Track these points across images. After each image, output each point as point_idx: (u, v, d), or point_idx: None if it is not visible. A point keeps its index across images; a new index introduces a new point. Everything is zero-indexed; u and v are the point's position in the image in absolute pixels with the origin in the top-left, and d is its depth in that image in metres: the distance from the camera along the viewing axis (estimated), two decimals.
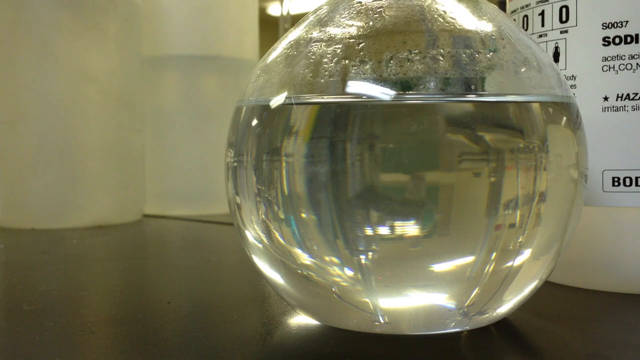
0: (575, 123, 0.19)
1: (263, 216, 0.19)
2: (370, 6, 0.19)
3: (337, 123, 0.17)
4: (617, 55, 0.24)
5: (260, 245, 0.19)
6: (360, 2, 0.19)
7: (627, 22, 0.23)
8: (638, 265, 0.24)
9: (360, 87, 0.18)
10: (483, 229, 0.17)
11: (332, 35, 0.19)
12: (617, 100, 0.24)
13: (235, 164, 0.20)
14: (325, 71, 0.18)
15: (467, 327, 0.19)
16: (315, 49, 0.19)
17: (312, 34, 0.19)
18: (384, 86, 0.17)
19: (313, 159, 0.17)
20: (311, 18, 0.20)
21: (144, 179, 0.53)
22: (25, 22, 0.46)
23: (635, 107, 0.23)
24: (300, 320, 0.21)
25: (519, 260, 0.18)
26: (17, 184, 0.47)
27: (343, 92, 0.18)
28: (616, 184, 0.24)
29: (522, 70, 0.19)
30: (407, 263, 0.18)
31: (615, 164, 0.24)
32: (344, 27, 0.19)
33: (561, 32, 0.25)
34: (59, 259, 0.35)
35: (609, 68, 0.24)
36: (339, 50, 0.18)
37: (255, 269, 0.21)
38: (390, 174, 0.17)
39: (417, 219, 0.17)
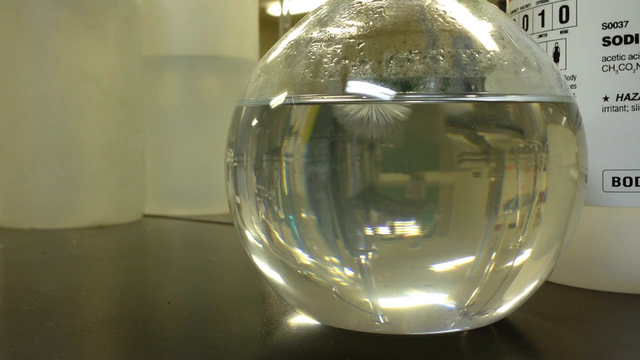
0: (575, 123, 0.19)
1: (263, 216, 0.19)
2: (370, 6, 0.19)
3: (337, 123, 0.17)
4: (617, 55, 0.24)
5: (260, 245, 0.19)
6: (360, 2, 0.19)
7: (627, 22, 0.23)
8: (638, 265, 0.24)
9: (360, 87, 0.18)
10: (483, 229, 0.17)
11: (332, 35, 0.19)
12: (617, 100, 0.24)
13: (235, 164, 0.20)
14: (325, 71, 0.18)
15: (467, 327, 0.19)
16: (315, 49, 0.19)
17: (312, 34, 0.19)
18: (384, 86, 0.17)
19: (313, 159, 0.17)
20: (311, 18, 0.20)
21: (144, 179, 0.53)
22: (25, 22, 0.46)
23: (635, 107, 0.23)
24: (300, 320, 0.21)
25: (519, 260, 0.18)
26: (17, 184, 0.47)
27: (343, 92, 0.18)
28: (616, 184, 0.24)
29: (522, 70, 0.19)
30: (407, 263, 0.18)
31: (615, 164, 0.24)
32: (344, 27, 0.19)
33: (561, 32, 0.25)
34: (59, 259, 0.35)
35: (609, 68, 0.24)
36: (339, 50, 0.18)
37: (255, 269, 0.21)
38: (390, 174, 0.17)
39: (417, 219, 0.17)
